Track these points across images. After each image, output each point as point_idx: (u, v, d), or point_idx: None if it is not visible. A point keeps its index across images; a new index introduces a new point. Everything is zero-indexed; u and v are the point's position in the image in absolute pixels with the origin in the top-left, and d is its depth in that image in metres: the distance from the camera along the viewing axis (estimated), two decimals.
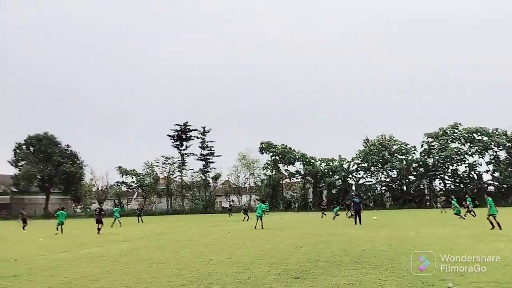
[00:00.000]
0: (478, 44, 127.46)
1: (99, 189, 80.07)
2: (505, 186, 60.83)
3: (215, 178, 76.76)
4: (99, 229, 24.02)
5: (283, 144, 72.49)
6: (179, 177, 76.90)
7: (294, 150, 72.12)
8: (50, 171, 70.89)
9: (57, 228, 25.47)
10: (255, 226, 23.06)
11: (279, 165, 72.39)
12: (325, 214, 38.24)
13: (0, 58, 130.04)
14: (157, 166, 77.09)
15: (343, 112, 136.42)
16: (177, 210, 70.98)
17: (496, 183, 62.28)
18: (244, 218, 35.28)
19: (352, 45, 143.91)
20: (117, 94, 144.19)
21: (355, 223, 24.57)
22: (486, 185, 63.92)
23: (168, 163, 76.13)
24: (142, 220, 38.68)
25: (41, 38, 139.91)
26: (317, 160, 72.33)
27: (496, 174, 62.60)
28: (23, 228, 30.74)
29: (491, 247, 12.29)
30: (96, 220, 24.79)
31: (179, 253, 13.28)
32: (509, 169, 60.70)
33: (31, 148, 72.74)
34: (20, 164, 71.79)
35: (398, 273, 8.65)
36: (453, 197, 41.34)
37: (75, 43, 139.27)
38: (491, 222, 18.08)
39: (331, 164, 70.60)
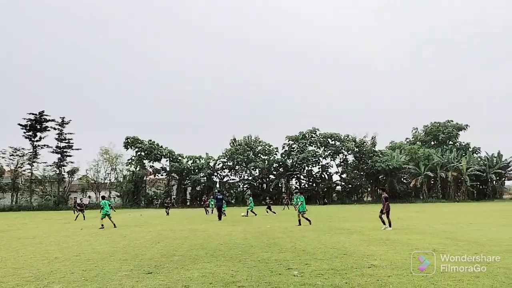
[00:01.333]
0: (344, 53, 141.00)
1: None
2: (350, 186, 68.27)
3: (72, 172, 70.84)
4: None
5: (150, 140, 70.44)
6: (29, 170, 69.25)
7: (161, 147, 70.61)
8: None
9: None
10: (114, 225, 21.38)
11: (144, 161, 70.15)
12: (168, 213, 36.49)
13: None
14: (3, 157, 68.14)
15: (213, 112, 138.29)
16: (22, 206, 63.73)
17: (343, 184, 69.52)
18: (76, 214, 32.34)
19: (217, 46, 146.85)
20: None
21: (219, 219, 24.93)
22: (335, 185, 70.94)
23: (17, 155, 67.90)
24: None
25: None
26: (184, 157, 71.98)
27: (344, 176, 69.85)
28: None
29: (333, 238, 13.56)
30: None
31: (19, 252, 11.89)
32: (355, 171, 68.19)
33: None
34: None
35: (250, 264, 8.95)
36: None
37: None
38: (299, 219, 19.39)
39: (197, 161, 70.95)
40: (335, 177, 71.25)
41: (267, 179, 71.44)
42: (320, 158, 69.23)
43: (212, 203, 37.31)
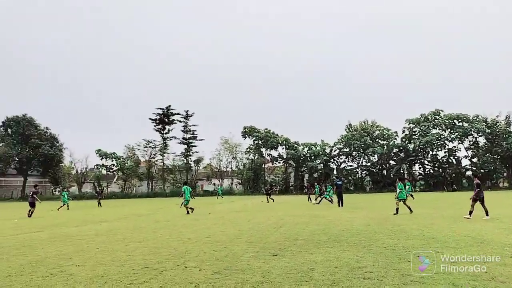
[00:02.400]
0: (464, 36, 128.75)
1: (78, 171, 79.01)
2: (482, 171, 62.05)
3: (197, 161, 76.50)
4: (31, 212, 22.65)
5: (266, 129, 72.47)
6: (161, 161, 76.43)
7: (277, 135, 72.21)
8: (28, 153, 69.69)
9: None
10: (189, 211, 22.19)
11: (261, 149, 72.46)
12: (272, 199, 36.26)
13: None
14: (138, 149, 76.53)
15: (327, 98, 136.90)
16: (158, 193, 70.67)
17: (474, 168, 63.52)
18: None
19: (338, 33, 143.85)
20: (100, 79, 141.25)
21: (339, 206, 24.68)
22: (464, 169, 65.24)
23: (150, 147, 75.56)
24: (100, 204, 35.33)
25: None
26: (300, 144, 72.64)
27: (475, 160, 63.81)
28: None
29: (466, 226, 12.48)
30: (29, 203, 22.99)
31: (157, 233, 13.11)
32: (487, 155, 61.85)
33: (9, 130, 71.41)
34: None
35: (376, 250, 8.66)
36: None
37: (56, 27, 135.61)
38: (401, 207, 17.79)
39: (313, 148, 71.05)
40: (465, 162, 65.54)
41: (387, 165, 68.57)
42: (446, 141, 64.21)
43: (317, 189, 36.20)
